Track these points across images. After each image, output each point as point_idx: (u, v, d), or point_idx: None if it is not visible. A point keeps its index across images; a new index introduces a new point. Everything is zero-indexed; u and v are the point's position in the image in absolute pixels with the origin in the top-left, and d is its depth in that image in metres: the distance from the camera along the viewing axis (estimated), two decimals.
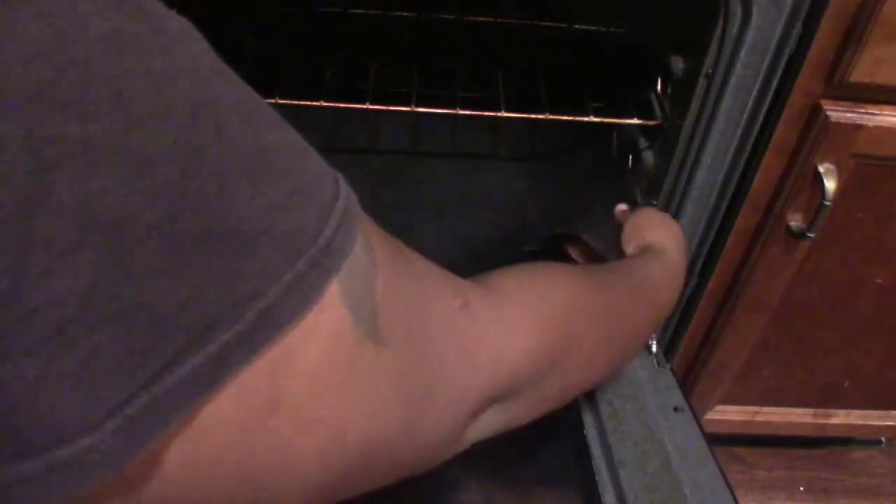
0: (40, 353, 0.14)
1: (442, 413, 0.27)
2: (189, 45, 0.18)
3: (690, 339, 0.83)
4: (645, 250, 0.54)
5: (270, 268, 0.18)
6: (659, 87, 0.74)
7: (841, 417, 0.94)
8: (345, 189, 0.21)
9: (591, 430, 0.69)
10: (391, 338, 0.22)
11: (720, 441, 1.02)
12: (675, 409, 0.71)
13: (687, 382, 0.88)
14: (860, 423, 0.94)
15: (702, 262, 0.72)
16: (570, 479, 0.68)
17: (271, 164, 0.19)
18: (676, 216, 0.68)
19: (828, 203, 0.63)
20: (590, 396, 0.73)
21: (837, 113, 0.60)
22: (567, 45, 0.83)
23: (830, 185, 0.63)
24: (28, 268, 0.14)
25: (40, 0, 0.14)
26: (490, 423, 0.32)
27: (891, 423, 0.95)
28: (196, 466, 0.18)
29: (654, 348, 0.77)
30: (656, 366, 0.76)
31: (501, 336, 0.29)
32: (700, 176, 0.64)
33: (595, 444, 0.67)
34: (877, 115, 0.61)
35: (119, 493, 0.17)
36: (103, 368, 0.15)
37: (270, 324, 0.18)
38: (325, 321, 0.19)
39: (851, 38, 0.55)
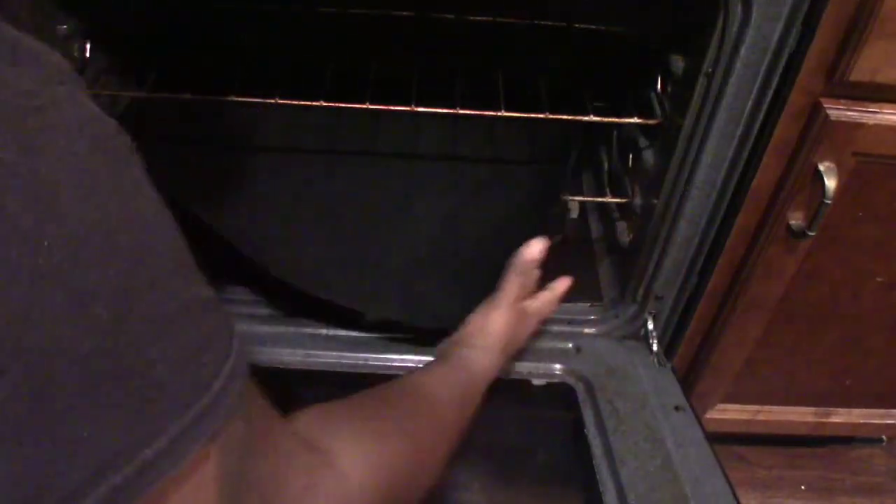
0: None
1: None
2: (146, 191, 0.19)
3: (691, 339, 0.83)
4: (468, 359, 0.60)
5: (168, 414, 0.18)
6: (659, 87, 0.74)
7: (842, 416, 0.94)
8: (237, 347, 0.22)
9: (591, 429, 0.69)
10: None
11: (721, 440, 1.02)
12: (676, 409, 0.71)
13: (688, 381, 0.88)
14: (861, 421, 0.94)
15: (702, 261, 0.72)
16: (571, 479, 0.68)
17: (189, 317, 0.20)
18: (676, 215, 0.68)
19: (828, 202, 0.63)
20: (590, 396, 0.73)
21: (837, 111, 0.60)
22: (567, 44, 0.83)
23: (831, 183, 0.63)
24: None
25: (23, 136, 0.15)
26: None
27: (892, 422, 0.95)
28: None
29: (654, 347, 0.77)
30: (657, 365, 0.77)
31: (345, 490, 0.34)
32: (700, 175, 0.64)
33: (596, 443, 0.67)
34: (877, 113, 0.61)
35: None
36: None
37: (156, 471, 0.18)
38: (197, 499, 0.20)
39: (851, 36, 0.55)
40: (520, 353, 0.71)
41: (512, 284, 0.67)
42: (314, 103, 0.70)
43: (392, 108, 0.71)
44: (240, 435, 0.22)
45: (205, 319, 0.21)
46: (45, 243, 0.15)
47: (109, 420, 0.17)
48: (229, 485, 0.21)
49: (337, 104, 0.70)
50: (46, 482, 0.16)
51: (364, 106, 0.71)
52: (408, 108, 0.71)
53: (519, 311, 0.67)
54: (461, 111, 0.71)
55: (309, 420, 0.37)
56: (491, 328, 0.64)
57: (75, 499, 0.16)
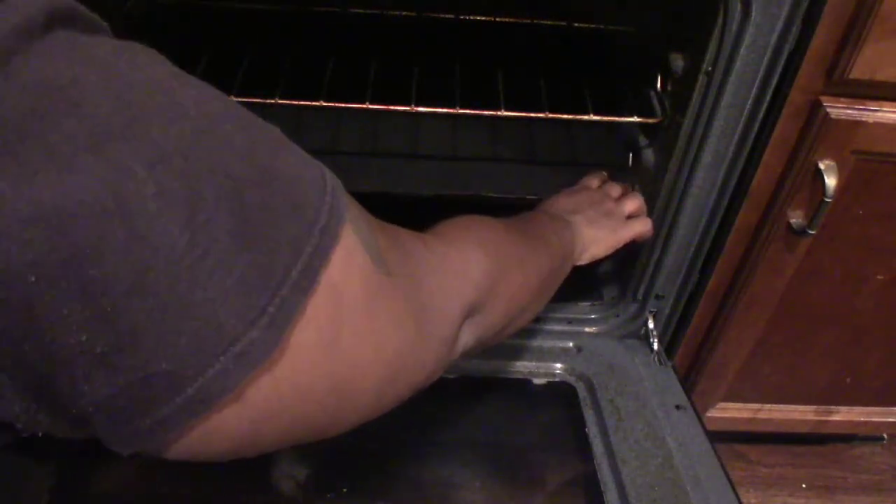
0: (213, 281, 0.21)
1: (437, 324, 0.35)
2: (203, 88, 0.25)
3: (692, 337, 0.83)
4: (561, 218, 0.63)
5: (312, 204, 0.25)
6: (659, 85, 0.74)
7: (843, 414, 0.94)
8: (324, 166, 0.28)
9: (592, 429, 0.69)
10: (395, 273, 0.30)
11: (722, 438, 1.02)
12: (677, 407, 0.71)
13: (688, 380, 0.88)
14: (862, 419, 0.94)
15: (702, 259, 0.72)
16: (572, 478, 0.68)
17: (282, 139, 0.26)
18: (677, 214, 0.68)
19: (828, 200, 0.63)
20: (591, 395, 0.73)
21: (837, 109, 0.60)
22: (567, 43, 0.83)
23: (831, 181, 0.63)
24: (196, 223, 0.21)
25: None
26: (468, 336, 0.41)
27: (892, 420, 0.95)
28: (299, 381, 0.25)
29: (655, 346, 0.77)
30: (658, 364, 0.77)
31: (459, 262, 0.39)
32: (700, 173, 0.64)
33: (597, 443, 0.67)
34: (877, 111, 0.61)
35: (258, 386, 0.24)
36: (250, 286, 0.22)
37: (325, 245, 0.25)
38: (357, 263, 0.27)
39: (851, 34, 0.55)
40: (605, 248, 0.67)
41: (585, 179, 0.74)
42: (314, 103, 0.70)
43: (392, 107, 0.71)
44: (364, 223, 0.28)
45: (296, 147, 0.27)
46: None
47: (285, 215, 0.24)
48: (376, 255, 0.28)
49: (336, 104, 0.70)
50: (273, 262, 0.23)
51: (364, 105, 0.70)
52: (408, 108, 0.71)
53: (589, 190, 0.71)
54: (461, 110, 0.71)
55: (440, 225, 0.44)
56: (573, 201, 0.67)
57: (290, 269, 0.23)
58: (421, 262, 0.35)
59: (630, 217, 0.71)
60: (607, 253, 0.66)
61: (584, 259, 0.64)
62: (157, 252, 0.20)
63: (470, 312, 0.39)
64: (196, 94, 0.23)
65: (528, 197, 0.85)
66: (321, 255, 0.24)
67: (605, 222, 0.67)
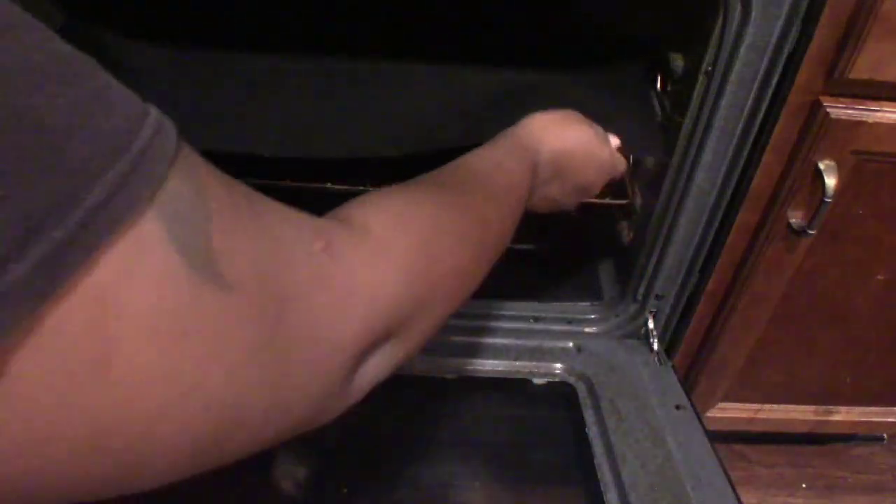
0: None
1: (315, 364, 0.26)
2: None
3: (692, 337, 0.83)
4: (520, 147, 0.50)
5: (86, 166, 0.17)
6: (659, 85, 0.74)
7: (843, 414, 0.94)
8: (157, 113, 0.20)
9: (592, 429, 0.69)
10: (237, 283, 0.21)
11: (722, 438, 1.02)
12: (677, 407, 0.71)
13: (688, 380, 0.88)
14: (862, 419, 0.94)
15: (702, 260, 0.72)
16: (571, 478, 0.68)
17: (70, 69, 0.18)
18: (677, 214, 0.68)
19: (828, 200, 0.63)
20: (591, 395, 0.73)
21: (837, 110, 0.60)
22: (566, 42, 0.83)
23: (831, 181, 0.63)
24: None
25: None
26: (381, 366, 0.31)
27: (892, 420, 0.95)
28: (27, 435, 0.17)
29: (655, 346, 0.77)
30: (658, 364, 0.77)
31: (372, 275, 0.28)
32: (700, 173, 0.64)
33: (597, 443, 0.67)
34: (877, 111, 0.61)
35: None
36: None
37: (93, 231, 0.17)
38: (151, 262, 0.19)
39: (851, 34, 0.55)
40: (582, 194, 0.59)
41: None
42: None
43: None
44: (191, 203, 0.20)
45: (94, 76, 0.19)
46: None
47: (22, 178, 0.16)
48: (196, 254, 0.20)
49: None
50: None
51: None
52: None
53: (593, 130, 0.57)
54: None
55: (348, 205, 0.33)
56: (554, 130, 0.53)
57: (12, 259, 0.16)
58: (301, 272, 0.25)
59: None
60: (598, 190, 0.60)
61: (574, 205, 0.57)
62: None
63: (377, 341, 0.30)
64: None
65: None
66: (83, 246, 0.17)
67: (601, 158, 0.57)
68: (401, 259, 0.31)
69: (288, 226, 0.26)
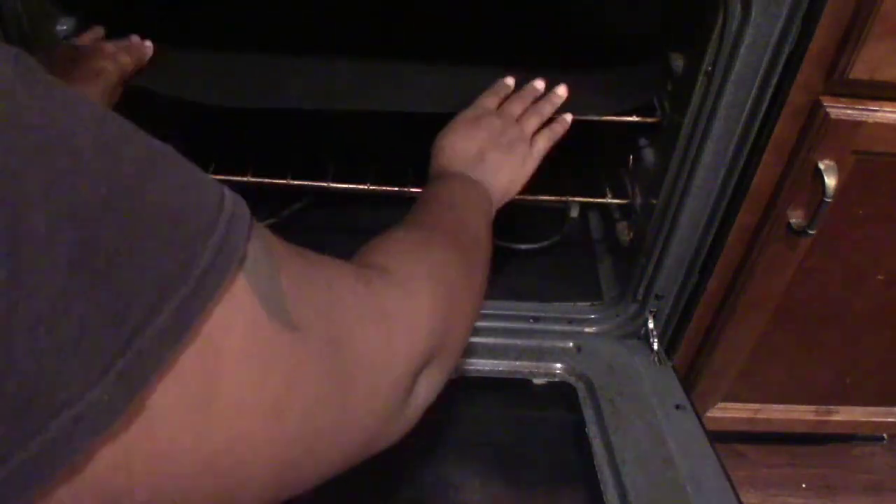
0: (41, 328, 0.17)
1: (374, 388, 0.30)
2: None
3: (692, 338, 0.83)
4: (459, 177, 0.57)
5: (197, 235, 0.21)
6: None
7: (843, 414, 0.94)
8: (230, 193, 0.24)
9: (592, 428, 0.69)
10: (305, 325, 0.25)
11: (722, 438, 1.02)
12: (677, 407, 0.71)
13: (688, 380, 0.88)
14: (862, 419, 0.94)
15: (702, 260, 0.72)
16: (572, 478, 0.68)
17: (167, 160, 0.22)
18: (676, 214, 0.68)
19: (828, 200, 0.63)
20: (591, 395, 0.73)
21: (837, 110, 0.60)
22: (566, 42, 0.83)
23: (831, 181, 0.63)
24: (20, 256, 0.17)
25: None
26: (430, 387, 0.36)
27: (893, 420, 0.95)
28: (156, 451, 0.21)
29: (655, 346, 0.77)
30: (658, 364, 0.77)
31: (409, 306, 0.34)
32: (700, 173, 0.64)
33: (597, 442, 0.67)
34: (877, 111, 0.61)
35: (108, 462, 0.19)
36: (94, 333, 0.18)
37: (206, 287, 0.21)
38: (241, 311, 0.23)
39: (851, 34, 0.55)
40: (517, 186, 0.62)
41: (484, 99, 0.65)
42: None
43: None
44: (264, 259, 0.24)
45: (184, 165, 0.23)
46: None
47: (152, 254, 0.20)
48: (272, 302, 0.24)
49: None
50: (125, 311, 0.19)
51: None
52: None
53: (488, 118, 0.62)
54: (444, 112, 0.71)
55: (360, 252, 0.39)
56: (454, 145, 0.60)
57: (151, 316, 0.19)
58: (352, 310, 0.29)
59: (535, 134, 0.65)
60: (520, 189, 0.63)
61: (500, 205, 0.60)
62: None
63: (424, 364, 0.34)
64: (45, 103, 0.19)
65: None
66: (197, 305, 0.20)
67: (511, 159, 0.61)
68: (424, 290, 0.36)
69: (335, 272, 0.30)
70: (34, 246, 0.17)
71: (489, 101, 0.66)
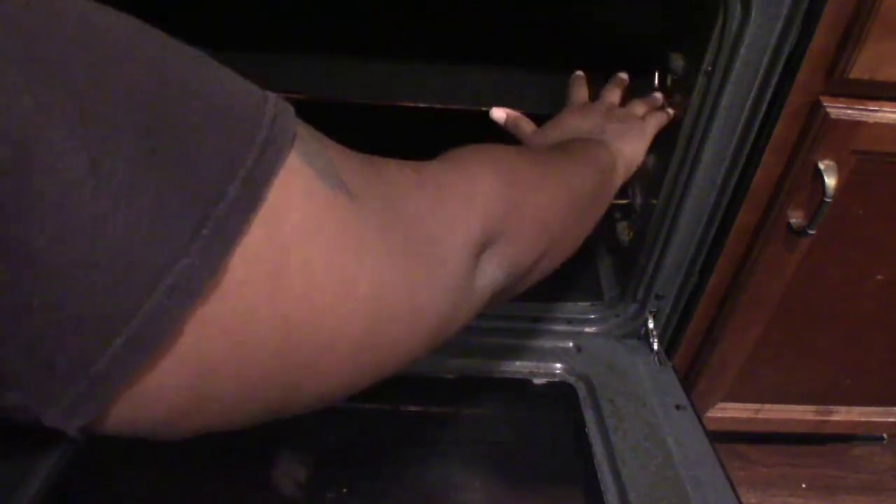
0: (124, 201, 0.18)
1: (439, 261, 0.30)
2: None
3: (692, 337, 0.83)
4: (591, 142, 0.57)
5: (252, 115, 0.22)
6: (658, 85, 0.74)
7: (843, 414, 0.94)
8: (274, 94, 0.24)
9: (592, 429, 0.69)
10: (360, 194, 0.26)
11: (722, 438, 1.02)
12: (677, 407, 0.71)
13: (688, 380, 0.88)
14: (862, 419, 0.94)
15: (702, 260, 0.72)
16: (571, 478, 0.68)
17: (205, 57, 0.23)
18: (676, 214, 0.68)
19: (828, 200, 0.63)
20: (591, 395, 0.73)
21: (837, 110, 0.60)
22: (565, 42, 0.83)
23: (831, 181, 0.63)
24: (90, 138, 0.18)
25: None
26: (494, 269, 0.36)
27: (892, 420, 0.95)
28: (233, 325, 0.21)
29: (655, 346, 0.77)
30: (658, 364, 0.77)
31: (462, 184, 0.34)
32: (700, 173, 0.64)
33: (597, 443, 0.67)
34: (877, 111, 0.61)
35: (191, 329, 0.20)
36: (172, 207, 0.19)
37: (267, 162, 0.21)
38: (299, 184, 0.23)
39: (851, 34, 0.55)
40: (642, 153, 0.65)
41: (575, 94, 0.69)
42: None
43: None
44: (312, 141, 0.25)
45: (222, 66, 0.23)
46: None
47: (214, 135, 0.21)
48: (326, 174, 0.24)
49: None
50: (202, 183, 0.20)
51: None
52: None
53: (593, 104, 0.66)
54: (454, 106, 0.71)
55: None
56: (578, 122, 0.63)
57: (225, 188, 0.20)
58: (403, 185, 0.30)
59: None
60: (644, 156, 0.65)
61: (632, 172, 0.62)
62: (46, 172, 0.17)
63: (485, 242, 0.34)
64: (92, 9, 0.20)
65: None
66: (265, 169, 0.21)
67: (631, 130, 0.63)
68: (488, 175, 0.36)
69: (381, 160, 0.30)
70: (102, 130, 0.18)
71: (612, 93, 0.70)
